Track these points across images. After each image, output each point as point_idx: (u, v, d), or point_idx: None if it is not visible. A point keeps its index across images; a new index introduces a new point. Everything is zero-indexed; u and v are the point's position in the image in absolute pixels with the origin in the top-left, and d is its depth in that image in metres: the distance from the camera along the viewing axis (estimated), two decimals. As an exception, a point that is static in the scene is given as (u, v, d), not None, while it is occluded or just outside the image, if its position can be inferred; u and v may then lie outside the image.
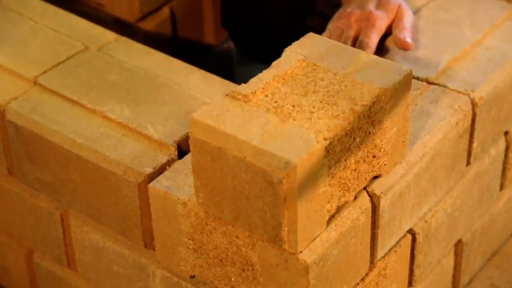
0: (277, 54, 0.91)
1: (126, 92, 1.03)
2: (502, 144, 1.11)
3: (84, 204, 1.00)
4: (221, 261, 0.90)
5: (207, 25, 1.54)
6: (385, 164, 0.90)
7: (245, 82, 0.87)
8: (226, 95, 0.86)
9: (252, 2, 1.25)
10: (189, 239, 0.91)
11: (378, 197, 0.90)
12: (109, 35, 1.13)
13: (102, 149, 0.96)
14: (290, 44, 0.91)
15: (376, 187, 0.90)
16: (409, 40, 1.02)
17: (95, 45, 1.11)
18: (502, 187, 1.16)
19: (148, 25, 1.43)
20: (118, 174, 0.94)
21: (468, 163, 1.05)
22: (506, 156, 1.13)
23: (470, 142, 1.03)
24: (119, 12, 1.40)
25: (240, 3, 1.27)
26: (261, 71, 0.88)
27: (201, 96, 1.02)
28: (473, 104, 1.01)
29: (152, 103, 1.02)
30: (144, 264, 0.99)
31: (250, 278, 0.88)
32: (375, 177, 0.91)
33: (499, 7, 1.13)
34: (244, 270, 0.88)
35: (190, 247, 0.91)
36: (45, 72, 1.06)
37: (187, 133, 0.84)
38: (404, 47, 1.03)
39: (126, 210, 0.96)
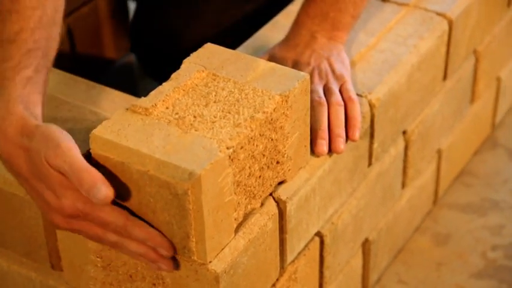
0: None
1: (25, 111, 1.00)
2: (401, 144, 1.15)
3: (-14, 228, 0.98)
4: (131, 277, 0.89)
5: (106, 40, 1.53)
6: (289, 169, 0.91)
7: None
8: (127, 109, 0.85)
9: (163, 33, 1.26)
10: (97, 257, 0.89)
11: (284, 202, 0.91)
12: (4, 54, 1.10)
13: (1, 171, 0.93)
14: None
15: (282, 192, 0.92)
16: None
17: (-11, 65, 1.08)
18: (403, 185, 1.19)
19: (45, 42, 1.40)
20: (20, 196, 0.92)
21: (370, 164, 1.08)
22: (405, 155, 1.17)
23: (371, 143, 1.06)
24: (13, 30, 1.37)
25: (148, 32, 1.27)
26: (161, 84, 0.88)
27: (102, 112, 1.01)
28: (371, 106, 1.03)
29: (52, 122, 0.99)
30: (52, 286, 0.97)
31: (161, 292, 0.88)
32: (280, 183, 0.92)
33: (390, 11, 1.17)
34: (154, 284, 0.88)
35: (99, 265, 0.90)
36: None
37: (89, 150, 0.83)
38: None
39: (31, 232, 0.94)
